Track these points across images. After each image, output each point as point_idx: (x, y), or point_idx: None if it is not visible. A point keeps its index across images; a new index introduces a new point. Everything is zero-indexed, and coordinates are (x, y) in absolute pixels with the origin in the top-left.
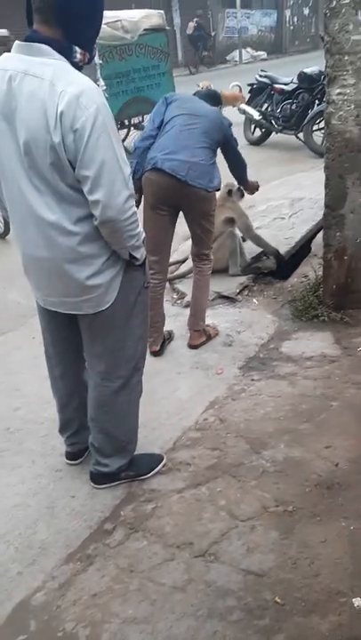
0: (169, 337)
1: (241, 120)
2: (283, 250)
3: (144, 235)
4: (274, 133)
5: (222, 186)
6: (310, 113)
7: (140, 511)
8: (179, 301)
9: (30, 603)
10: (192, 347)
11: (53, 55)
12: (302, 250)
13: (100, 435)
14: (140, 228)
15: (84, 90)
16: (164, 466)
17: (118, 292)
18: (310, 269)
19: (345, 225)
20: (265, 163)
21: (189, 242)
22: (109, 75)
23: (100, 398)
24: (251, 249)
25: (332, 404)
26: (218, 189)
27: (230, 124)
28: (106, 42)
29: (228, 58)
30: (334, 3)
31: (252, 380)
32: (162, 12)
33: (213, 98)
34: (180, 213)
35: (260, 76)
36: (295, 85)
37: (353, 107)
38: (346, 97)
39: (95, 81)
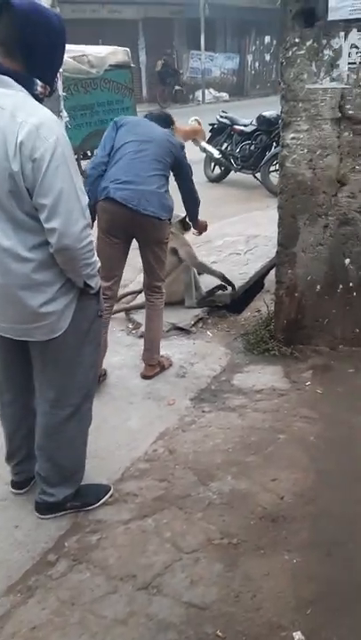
0: (104, 374)
1: (201, 158)
2: (237, 284)
3: (99, 264)
4: (233, 172)
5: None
6: (268, 154)
7: (85, 542)
8: (134, 331)
9: None
10: (145, 377)
11: (14, 87)
12: (256, 285)
13: (46, 463)
14: (96, 257)
15: (44, 121)
16: (110, 496)
17: (71, 320)
18: (263, 304)
19: (296, 263)
20: (223, 200)
21: None
22: (74, 107)
23: (48, 426)
24: (206, 282)
25: (280, 437)
26: (170, 218)
27: (183, 146)
28: (71, 74)
29: (190, 97)
30: (290, 52)
31: (203, 411)
32: (127, 49)
33: (165, 120)
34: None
35: (221, 116)
36: (254, 127)
37: (306, 151)
38: (299, 141)
39: (58, 112)
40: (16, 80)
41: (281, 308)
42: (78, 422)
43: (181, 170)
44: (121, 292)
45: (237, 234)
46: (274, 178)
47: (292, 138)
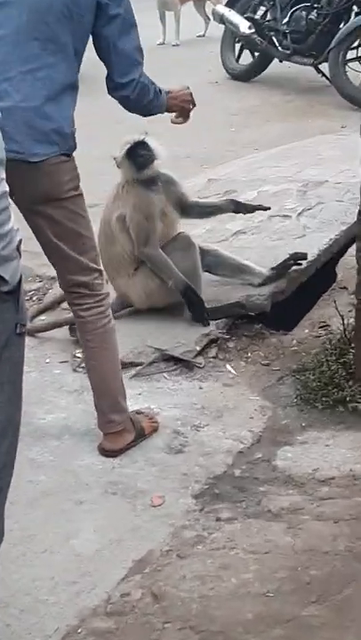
0: None
1: (214, 35)
2: (280, 281)
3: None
4: (277, 61)
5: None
6: (343, 29)
7: None
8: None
9: None
10: (107, 454)
11: None
12: (319, 277)
13: None
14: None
15: None
16: None
17: None
18: (333, 314)
19: None
20: (257, 113)
21: None
22: None
23: None
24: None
25: None
26: (68, 150)
27: None
28: None
29: None
30: None
31: (219, 519)
32: None
33: None
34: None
35: None
36: None
37: None
38: None
39: None
40: None
41: None
42: None
43: (111, 27)
44: (56, 290)
45: (285, 178)
46: (353, 73)
47: None
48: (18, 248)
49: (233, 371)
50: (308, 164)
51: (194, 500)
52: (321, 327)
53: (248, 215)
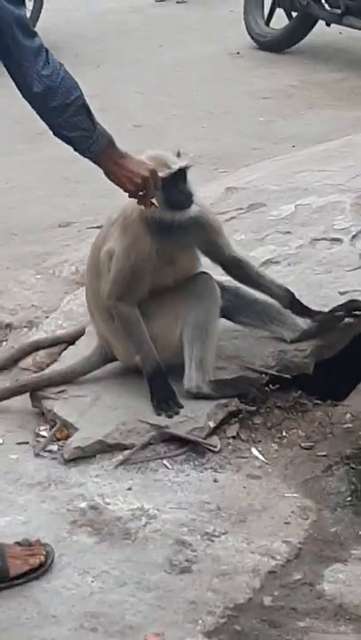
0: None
1: None
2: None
3: None
4: (322, 24)
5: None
6: None
7: None
8: (54, 445)
9: None
10: None
11: None
12: None
13: None
14: None
15: None
16: None
17: None
18: None
19: None
20: (298, 97)
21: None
22: None
23: None
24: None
25: None
26: None
27: None
28: None
29: None
30: None
31: None
32: None
33: None
34: None
35: None
36: None
37: None
38: None
39: None
40: None
41: None
42: None
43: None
44: (21, 338)
45: (333, 188)
46: None
47: None
48: None
49: (261, 457)
50: None
51: None
52: None
53: (283, 238)
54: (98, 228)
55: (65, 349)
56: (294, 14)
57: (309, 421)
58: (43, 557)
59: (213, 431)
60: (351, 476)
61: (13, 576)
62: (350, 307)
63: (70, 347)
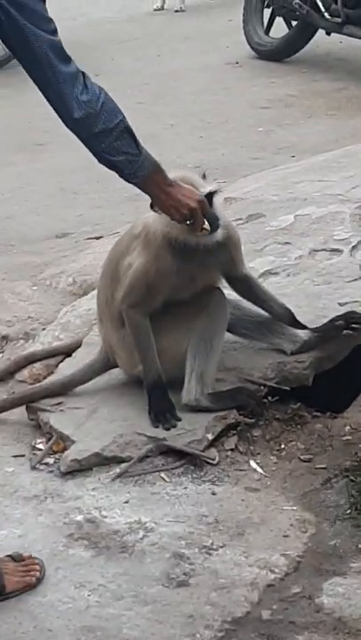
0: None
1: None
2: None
3: None
4: (322, 33)
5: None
6: None
7: None
8: (50, 458)
9: None
10: None
11: None
12: None
13: None
14: None
15: None
16: None
17: None
18: None
19: None
20: (298, 107)
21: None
22: None
23: None
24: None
25: None
26: None
27: None
28: None
29: None
30: None
31: None
32: None
33: None
34: None
35: None
36: None
37: None
38: None
39: None
40: None
41: None
42: None
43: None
44: (17, 350)
45: (333, 198)
46: None
47: None
48: None
49: (260, 469)
50: None
51: None
52: None
53: (282, 248)
54: (96, 238)
55: (62, 361)
56: (294, 23)
57: (308, 434)
58: (39, 573)
59: (211, 444)
60: (350, 489)
61: (8, 592)
62: (348, 317)
63: (67, 358)
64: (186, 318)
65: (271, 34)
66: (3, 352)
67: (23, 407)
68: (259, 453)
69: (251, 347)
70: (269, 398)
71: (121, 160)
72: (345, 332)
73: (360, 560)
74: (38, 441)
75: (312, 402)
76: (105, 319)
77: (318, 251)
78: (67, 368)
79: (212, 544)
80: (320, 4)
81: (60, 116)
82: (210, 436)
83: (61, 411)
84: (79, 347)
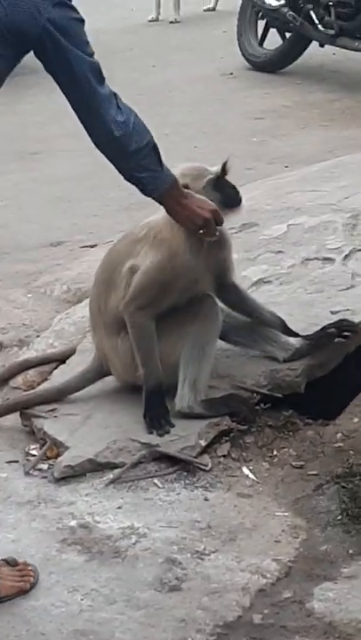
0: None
1: (232, 6)
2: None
3: None
4: (316, 45)
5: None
6: None
7: None
8: (44, 463)
9: None
10: None
11: None
12: None
13: None
14: None
15: None
16: None
17: None
18: None
19: None
20: (292, 118)
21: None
22: None
23: None
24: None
25: None
26: None
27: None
28: None
29: None
30: None
31: None
32: None
33: None
34: None
35: None
36: None
37: None
38: None
39: None
40: None
41: None
42: None
43: (56, 57)
44: (12, 357)
45: (326, 208)
46: None
47: None
48: None
49: (252, 475)
50: (359, 187)
51: None
52: None
53: (275, 257)
54: (90, 247)
55: (56, 368)
56: (288, 35)
57: (300, 440)
58: (33, 579)
59: (204, 450)
60: (342, 495)
61: (2, 596)
62: (339, 325)
63: (61, 365)
64: (178, 325)
65: (265, 45)
66: None
67: (17, 413)
68: (251, 460)
69: (243, 354)
70: (262, 405)
71: (145, 176)
72: (337, 339)
73: (351, 565)
74: (32, 447)
75: (304, 409)
76: (98, 327)
77: (311, 259)
78: (60, 375)
79: (204, 549)
80: (314, 16)
81: (91, 135)
82: (203, 443)
83: (55, 417)
84: (73, 354)
